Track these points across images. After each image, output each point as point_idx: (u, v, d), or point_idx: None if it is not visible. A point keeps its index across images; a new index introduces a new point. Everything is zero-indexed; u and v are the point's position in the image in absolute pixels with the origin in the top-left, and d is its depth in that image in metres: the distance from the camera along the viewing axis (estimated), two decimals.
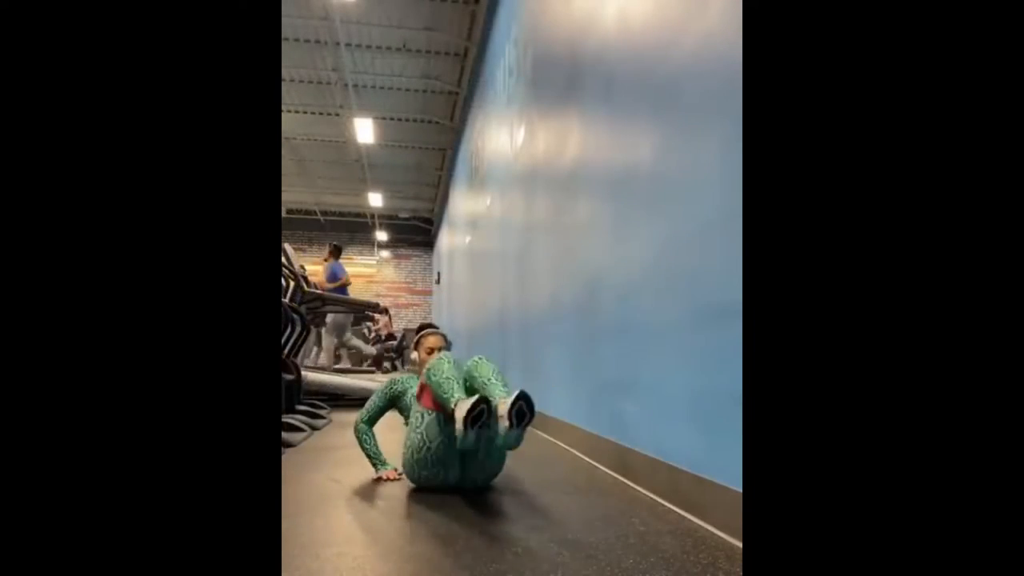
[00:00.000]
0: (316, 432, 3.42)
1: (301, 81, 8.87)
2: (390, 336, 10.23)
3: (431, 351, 2.20)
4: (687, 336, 1.72)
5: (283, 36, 7.65)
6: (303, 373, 4.46)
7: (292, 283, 4.58)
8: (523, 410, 1.66)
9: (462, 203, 8.86)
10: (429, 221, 15.98)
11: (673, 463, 1.79)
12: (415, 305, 16.41)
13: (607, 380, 2.43)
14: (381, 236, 16.27)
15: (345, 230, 16.18)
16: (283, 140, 11.03)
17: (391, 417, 2.33)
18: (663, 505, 1.80)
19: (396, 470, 2.13)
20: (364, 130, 9.52)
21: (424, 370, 1.87)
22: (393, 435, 2.25)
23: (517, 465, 2.26)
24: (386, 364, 8.97)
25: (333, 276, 7.07)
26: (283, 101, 9.47)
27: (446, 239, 11.73)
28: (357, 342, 7.64)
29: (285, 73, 8.59)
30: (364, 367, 7.93)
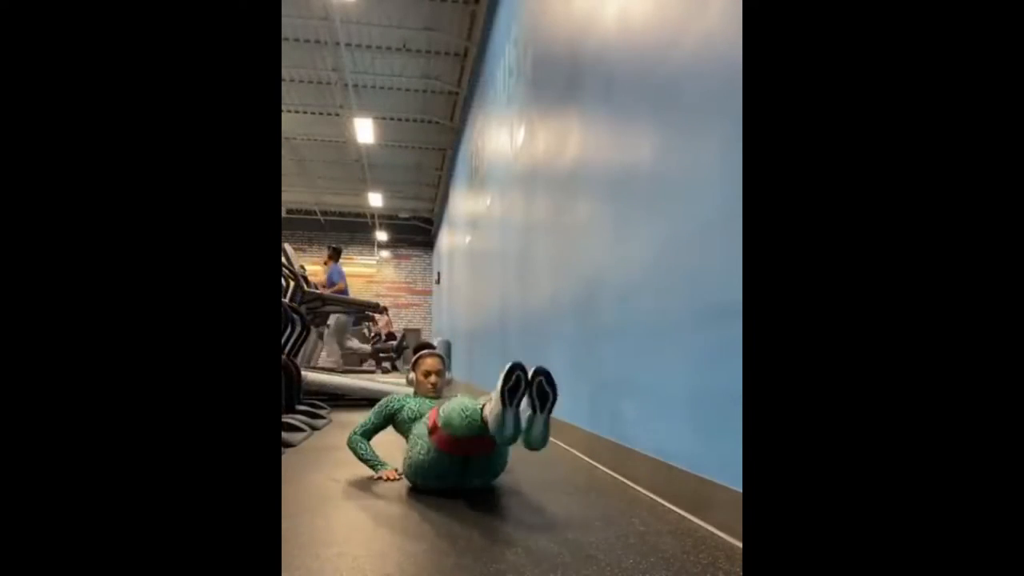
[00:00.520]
0: (316, 432, 3.42)
1: (301, 81, 8.87)
2: (390, 336, 10.23)
3: (428, 373, 2.20)
4: (687, 336, 1.72)
5: (283, 36, 7.65)
6: (303, 373, 4.46)
7: (292, 283, 4.58)
8: (544, 389, 1.57)
9: (462, 203, 8.86)
10: (429, 221, 15.98)
11: (672, 463, 1.79)
12: (415, 305, 16.42)
13: (607, 380, 2.43)
14: (381, 236, 16.27)
15: (345, 230, 16.18)
16: (283, 140, 11.03)
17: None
18: (663, 505, 1.80)
19: (395, 470, 2.13)
20: (364, 130, 9.52)
21: (441, 417, 1.83)
22: (392, 437, 2.25)
23: (517, 465, 2.26)
24: (385, 364, 8.96)
25: (331, 282, 7.03)
26: (283, 101, 9.47)
27: (446, 239, 11.73)
28: (353, 343, 7.62)
29: (285, 73, 8.59)
30: (364, 367, 7.93)
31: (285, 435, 2.97)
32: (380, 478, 2.12)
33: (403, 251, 16.59)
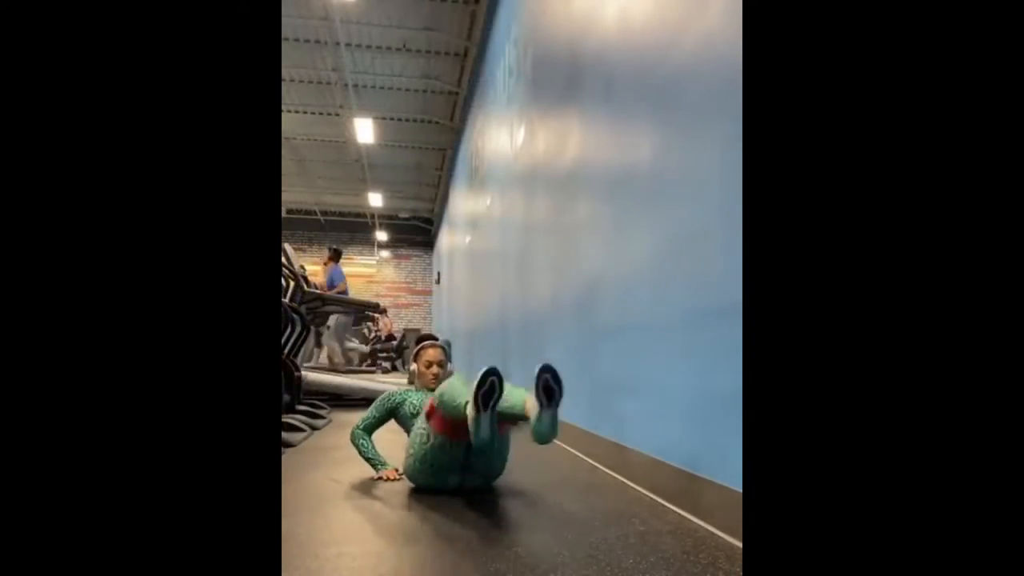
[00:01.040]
0: (316, 432, 3.42)
1: (301, 81, 8.87)
2: (390, 336, 10.23)
3: (430, 364, 2.20)
4: (687, 335, 1.72)
5: (283, 36, 7.65)
6: (303, 373, 4.46)
7: (292, 283, 4.58)
8: (550, 385, 1.57)
9: (462, 203, 8.86)
10: (429, 221, 15.98)
11: (672, 463, 1.79)
12: (415, 305, 16.41)
13: (606, 379, 2.43)
14: (381, 236, 16.26)
15: (345, 230, 16.18)
16: (283, 140, 11.02)
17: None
18: (663, 505, 1.80)
19: (396, 470, 2.13)
20: (364, 130, 9.52)
21: (436, 396, 1.84)
22: (393, 436, 2.25)
23: (517, 465, 2.26)
24: (385, 364, 8.97)
25: (331, 283, 7.01)
26: (283, 101, 9.47)
27: (446, 239, 11.73)
28: (352, 343, 7.61)
29: (285, 73, 8.59)
30: (364, 367, 7.92)
31: (285, 435, 2.97)
32: (380, 478, 2.12)
33: (403, 251, 16.59)
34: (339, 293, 6.87)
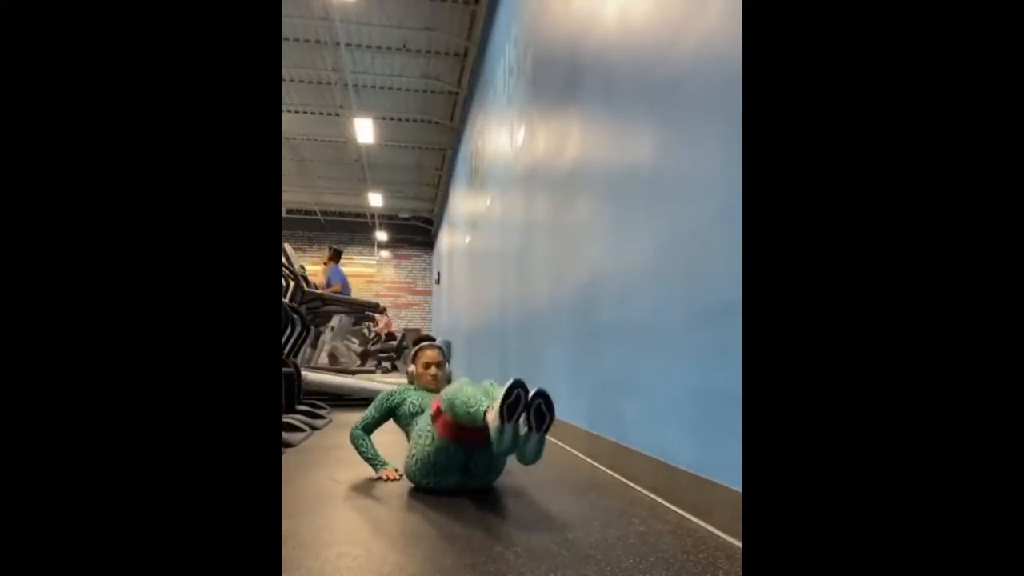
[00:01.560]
0: (316, 432, 3.42)
1: (301, 81, 8.86)
2: (390, 336, 10.23)
3: (428, 365, 2.20)
4: (686, 335, 1.72)
5: (283, 36, 7.65)
6: (303, 373, 4.46)
7: (292, 283, 4.58)
8: (542, 411, 1.59)
9: (462, 203, 8.86)
10: (429, 221, 15.97)
11: (672, 463, 1.79)
12: (415, 305, 16.41)
13: (606, 379, 2.43)
14: (381, 236, 16.26)
15: (345, 230, 16.17)
16: (283, 140, 11.02)
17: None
18: (663, 505, 1.80)
19: (396, 470, 2.13)
20: (364, 130, 9.52)
21: (443, 399, 1.83)
22: (393, 437, 2.25)
23: (517, 466, 2.25)
24: (385, 364, 8.96)
25: (328, 283, 7.00)
26: (283, 101, 9.46)
27: (446, 239, 11.73)
28: (351, 344, 7.63)
29: (285, 73, 8.58)
30: (365, 367, 7.92)
31: (285, 435, 2.97)
32: (380, 478, 2.11)
33: (403, 251, 16.58)
34: (335, 293, 6.86)
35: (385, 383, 5.26)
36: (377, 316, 8.64)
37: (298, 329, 4.33)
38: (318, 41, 7.74)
